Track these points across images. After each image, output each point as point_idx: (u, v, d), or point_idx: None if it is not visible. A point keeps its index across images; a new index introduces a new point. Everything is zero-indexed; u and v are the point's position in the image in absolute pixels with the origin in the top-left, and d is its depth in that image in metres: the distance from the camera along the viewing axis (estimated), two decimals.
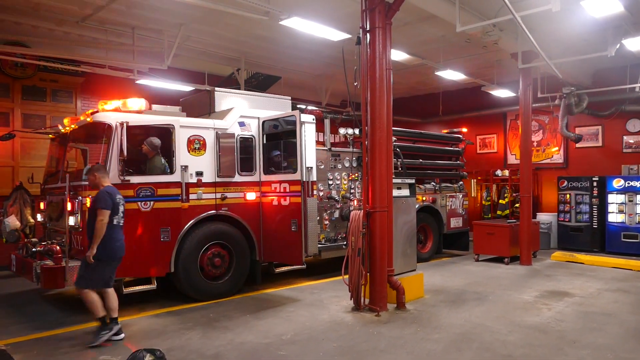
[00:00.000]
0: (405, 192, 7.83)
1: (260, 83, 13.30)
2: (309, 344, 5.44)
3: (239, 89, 11.19)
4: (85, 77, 10.90)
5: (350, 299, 6.82)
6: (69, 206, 6.51)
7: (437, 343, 5.42)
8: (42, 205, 8.04)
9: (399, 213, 7.46)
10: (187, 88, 11.42)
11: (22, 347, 5.38)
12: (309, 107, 11.57)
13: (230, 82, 12.56)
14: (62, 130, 7.68)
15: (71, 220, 6.53)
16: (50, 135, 8.32)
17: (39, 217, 8.32)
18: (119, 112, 6.81)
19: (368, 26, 6.71)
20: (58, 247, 6.38)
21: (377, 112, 6.72)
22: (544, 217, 13.32)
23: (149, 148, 6.98)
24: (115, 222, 5.55)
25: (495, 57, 11.81)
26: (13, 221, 8.50)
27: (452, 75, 11.68)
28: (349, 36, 8.47)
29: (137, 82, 10.54)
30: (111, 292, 5.63)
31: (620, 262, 10.53)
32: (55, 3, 8.18)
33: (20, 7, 8.28)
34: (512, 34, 9.73)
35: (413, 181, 8.07)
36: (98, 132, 6.75)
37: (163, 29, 9.51)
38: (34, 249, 6.86)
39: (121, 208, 5.65)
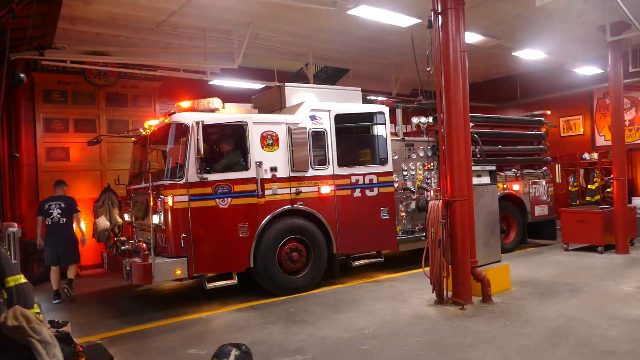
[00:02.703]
0: (486, 179, 7.44)
1: (329, 76, 13.25)
2: (391, 338, 5.30)
3: (308, 83, 11.18)
4: (162, 82, 11.38)
5: (432, 292, 6.58)
6: (152, 205, 6.79)
7: (529, 338, 5.08)
8: (128, 205, 8.46)
9: (479, 201, 7.11)
10: (257, 86, 11.59)
11: (116, 341, 5.66)
12: (380, 98, 11.39)
13: (300, 78, 12.60)
14: (143, 133, 8.03)
15: (155, 219, 6.81)
16: (132, 139, 8.75)
17: (126, 216, 8.78)
18: (194, 112, 7.00)
19: (439, 8, 6.41)
20: (145, 245, 6.67)
21: (452, 97, 6.42)
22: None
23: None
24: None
25: (577, 32, 10.95)
26: (103, 221, 9.04)
27: (531, 54, 10.98)
28: (419, 21, 8.19)
29: (210, 82, 10.83)
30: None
31: None
32: (131, 12, 8.57)
33: (100, 18, 8.75)
34: (598, 4, 8.96)
35: (494, 168, 7.66)
36: (176, 133, 6.98)
37: (232, 29, 9.69)
38: (123, 248, 7.22)
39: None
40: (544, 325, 5.45)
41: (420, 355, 4.75)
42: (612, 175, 12.28)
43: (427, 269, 6.56)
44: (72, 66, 9.72)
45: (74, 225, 8.21)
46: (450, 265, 6.45)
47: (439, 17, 6.42)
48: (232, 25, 9.53)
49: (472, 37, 9.83)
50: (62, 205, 8.05)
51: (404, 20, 8.16)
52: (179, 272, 6.59)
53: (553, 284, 7.42)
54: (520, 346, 4.87)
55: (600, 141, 14.32)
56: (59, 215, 7.98)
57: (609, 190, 13.21)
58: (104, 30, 9.04)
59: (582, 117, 14.72)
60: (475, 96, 15.48)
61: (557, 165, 14.17)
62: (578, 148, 14.42)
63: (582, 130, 14.78)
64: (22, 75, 7.18)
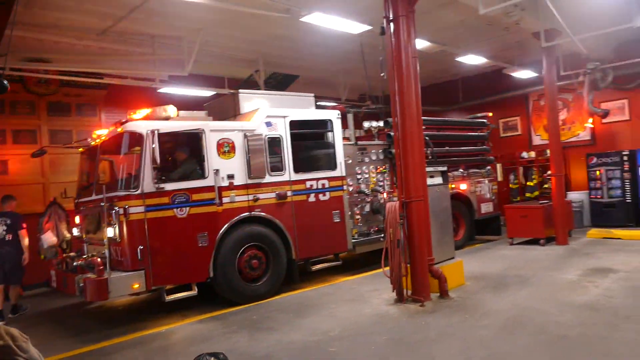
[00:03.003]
0: (438, 180, 7.73)
1: (278, 83, 13.27)
2: (358, 338, 5.40)
3: (259, 90, 11.17)
4: (107, 90, 11.00)
5: (393, 291, 6.76)
6: (106, 218, 6.56)
7: (488, 329, 5.34)
8: (77, 219, 8.12)
9: (433, 201, 7.36)
10: (207, 93, 11.46)
11: None
12: (330, 104, 11.57)
13: (250, 84, 12.55)
14: (92, 143, 7.75)
15: (109, 232, 6.58)
16: (80, 149, 8.41)
17: (74, 231, 8.42)
18: (147, 120, 6.85)
19: (392, 15, 6.63)
20: (99, 260, 6.44)
21: (406, 101, 6.65)
22: (575, 196, 13.05)
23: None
24: None
25: (515, 38, 11.60)
26: (49, 237, 8.63)
27: (473, 59, 11.52)
28: (369, 28, 8.40)
29: (159, 90, 10.60)
30: None
31: None
32: (75, 17, 8.25)
33: (41, 23, 8.35)
34: (534, 13, 9.53)
35: (445, 168, 7.97)
36: (129, 142, 6.79)
37: (182, 36, 9.54)
38: (75, 263, 6.93)
39: None
40: (500, 316, 5.74)
41: (388, 353, 4.88)
42: (550, 172, 13.09)
43: (387, 268, 6.72)
44: (10, 74, 9.22)
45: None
46: (408, 265, 6.65)
47: (391, 24, 6.63)
48: (183, 31, 9.39)
49: (419, 44, 10.11)
50: (8, 221, 7.68)
51: (356, 27, 8.35)
52: (136, 285, 6.40)
53: (504, 277, 7.81)
54: (481, 337, 5.10)
55: (537, 140, 15.18)
56: (4, 232, 7.58)
57: (546, 186, 14.01)
58: (45, 36, 8.64)
59: (519, 118, 15.55)
60: (421, 100, 16.06)
61: (498, 164, 14.87)
62: (517, 147, 15.22)
63: (519, 130, 15.60)
64: (5, 82, 6.71)
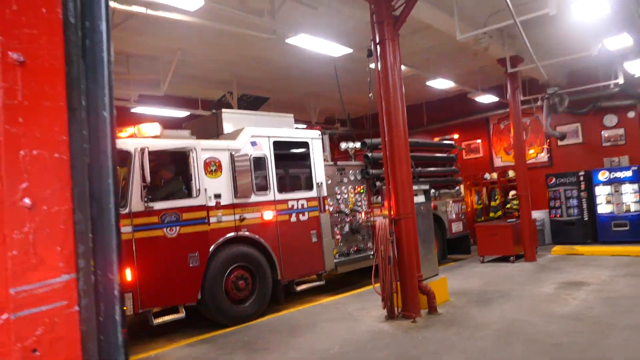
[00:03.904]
0: (421, 198, 7.94)
1: (249, 104, 13.30)
2: (359, 355, 5.41)
3: (232, 110, 11.15)
4: None
5: (383, 309, 6.82)
6: None
7: (485, 340, 5.48)
8: None
9: (417, 219, 7.54)
10: (181, 114, 11.34)
11: None
12: (302, 126, 11.68)
13: (221, 105, 12.50)
14: None
15: None
16: None
17: None
18: (134, 138, 6.70)
19: (378, 38, 6.87)
20: None
21: (393, 121, 6.86)
22: (536, 215, 13.61)
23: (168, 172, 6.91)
24: None
25: (479, 64, 12.20)
26: None
27: (442, 84, 11.99)
28: (350, 51, 8.62)
29: (132, 110, 10.39)
30: None
31: (618, 249, 10.91)
32: None
33: None
34: (500, 40, 10.11)
35: (427, 187, 8.20)
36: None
37: (159, 55, 9.45)
38: None
39: None
40: (492, 328, 5.91)
41: None
42: (514, 192, 13.65)
43: (377, 285, 6.79)
44: None
45: None
46: (398, 282, 6.75)
47: (378, 47, 6.87)
48: (160, 51, 9.31)
49: None
50: None
51: (338, 50, 8.56)
52: (124, 309, 6.14)
53: (484, 292, 8.04)
54: (480, 348, 5.23)
55: (498, 162, 15.85)
56: None
57: (508, 206, 14.61)
58: None
59: (481, 140, 16.21)
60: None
61: (461, 186, 15.40)
62: (479, 169, 15.82)
63: (481, 153, 16.25)
64: None
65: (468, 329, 5.97)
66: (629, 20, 8.57)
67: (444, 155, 12.26)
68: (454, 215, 11.91)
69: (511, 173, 14.86)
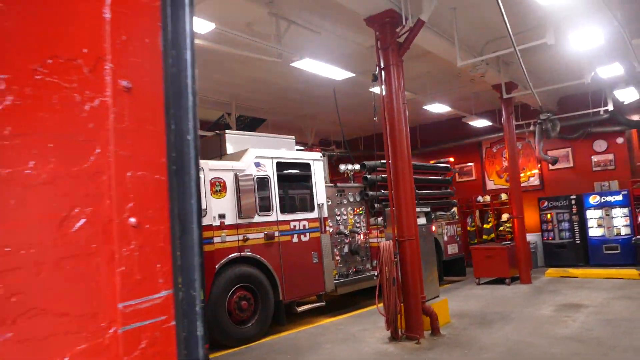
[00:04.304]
0: (423, 220, 8.04)
1: (246, 125, 13.42)
2: None
3: (231, 131, 11.24)
4: None
5: (387, 330, 6.84)
6: None
7: None
8: None
9: (420, 241, 7.62)
10: None
11: None
12: (300, 148, 11.80)
13: (219, 126, 12.61)
14: None
15: None
16: None
17: None
18: None
19: (383, 64, 7.04)
20: None
21: (398, 144, 6.99)
22: (529, 237, 13.76)
23: None
24: None
25: (473, 89, 12.48)
26: None
27: (438, 108, 12.23)
28: (352, 75, 8.81)
29: None
30: None
31: (611, 272, 11.07)
32: None
33: None
34: (495, 67, 10.39)
35: (429, 209, 8.31)
36: None
37: None
38: None
39: None
40: (497, 350, 5.96)
41: None
42: (506, 215, 13.85)
43: (381, 305, 6.83)
44: None
45: None
46: (402, 303, 6.79)
47: (383, 72, 7.04)
48: None
49: None
50: None
51: (340, 74, 8.74)
52: None
53: (485, 314, 8.10)
54: None
55: (490, 185, 16.09)
56: None
57: (501, 228, 14.79)
58: None
59: (473, 164, 16.46)
60: (380, 146, 16.65)
61: (455, 208, 15.57)
62: (472, 192, 16.03)
63: (474, 176, 16.49)
64: None
65: (473, 350, 6.02)
66: (622, 50, 8.90)
67: (440, 177, 12.43)
68: (449, 238, 12.01)
69: (504, 196, 15.09)
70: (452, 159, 13.24)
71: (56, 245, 1.07)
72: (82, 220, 1.12)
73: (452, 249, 12.08)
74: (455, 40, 8.12)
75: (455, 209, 12.68)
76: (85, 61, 1.17)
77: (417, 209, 7.88)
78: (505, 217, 14.52)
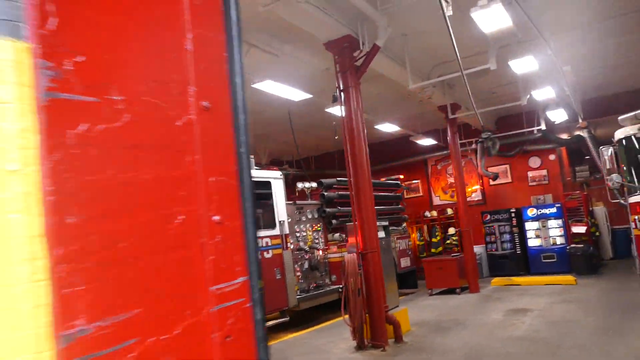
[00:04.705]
0: (382, 233, 8.42)
1: None
2: None
3: None
4: None
5: (353, 340, 7.10)
6: None
7: None
8: None
9: (381, 253, 7.98)
10: None
11: None
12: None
13: None
14: None
15: None
16: None
17: None
18: None
19: (342, 86, 7.44)
20: None
21: (358, 161, 7.36)
22: (474, 250, 14.59)
23: None
24: None
25: (420, 110, 13.19)
26: None
27: (388, 127, 12.81)
28: (310, 96, 9.16)
29: None
30: None
31: (549, 279, 11.92)
32: None
33: None
34: (441, 89, 11.11)
35: (387, 223, 8.71)
36: None
37: None
38: None
39: None
40: (459, 353, 6.36)
41: None
42: (452, 229, 14.56)
43: (347, 316, 7.09)
44: None
45: None
46: (367, 314, 7.09)
47: (342, 94, 7.43)
48: None
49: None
50: None
51: (299, 95, 9.07)
52: None
53: (441, 322, 8.54)
54: None
55: (437, 201, 16.86)
56: None
57: (448, 242, 15.50)
58: None
59: (420, 181, 17.21)
60: (329, 164, 17.09)
61: (405, 223, 16.18)
62: (419, 207, 16.73)
63: (421, 192, 17.23)
64: None
65: (437, 355, 6.39)
66: (554, 75, 9.81)
67: (392, 194, 12.96)
68: (401, 251, 12.50)
69: (449, 211, 15.87)
70: (401, 176, 13.83)
71: (163, 238, 1.28)
72: (181, 217, 1.33)
73: (405, 262, 12.56)
74: (406, 64, 8.67)
75: (405, 224, 13.21)
76: (175, 85, 1.40)
77: (377, 223, 8.26)
78: (452, 230, 15.25)
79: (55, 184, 1.05)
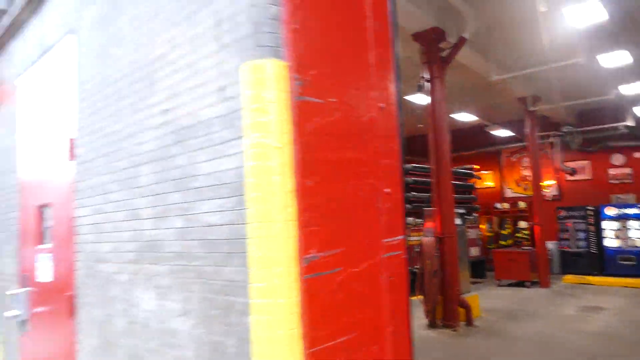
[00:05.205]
0: (458, 221, 8.69)
1: None
2: (417, 354, 6.05)
3: None
4: None
5: (426, 318, 7.50)
6: None
7: (527, 349, 6.17)
8: None
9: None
10: None
11: None
12: None
13: None
14: None
15: None
16: None
17: None
18: None
19: (428, 76, 7.73)
20: None
21: (440, 149, 7.67)
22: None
23: None
24: None
25: (498, 100, 13.12)
26: None
27: (465, 117, 12.90)
28: None
29: None
30: None
31: (627, 281, 11.66)
32: None
33: None
34: (522, 80, 11.06)
35: (464, 211, 8.96)
36: None
37: None
38: None
39: None
40: (531, 340, 6.60)
41: None
42: (522, 223, 14.45)
43: (421, 297, 7.49)
44: None
45: None
46: (441, 294, 7.46)
47: (428, 84, 7.73)
48: None
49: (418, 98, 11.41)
50: None
51: None
52: None
53: (512, 310, 8.74)
54: (526, 354, 5.93)
55: (508, 193, 16.70)
56: None
57: (518, 235, 15.39)
58: None
59: (492, 171, 17.09)
60: (408, 150, 17.25)
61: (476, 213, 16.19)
62: (490, 198, 16.65)
63: (493, 183, 17.12)
64: None
65: (508, 340, 6.66)
66: None
67: (464, 183, 13.08)
68: (473, 240, 12.63)
69: (521, 204, 15.71)
70: (477, 167, 13.86)
71: (357, 201, 1.78)
72: (366, 188, 1.83)
73: (474, 252, 12.69)
74: (489, 56, 8.78)
75: (477, 214, 13.30)
76: (363, 91, 1.88)
77: (455, 210, 8.56)
78: (523, 224, 15.12)
79: (300, 158, 1.55)
